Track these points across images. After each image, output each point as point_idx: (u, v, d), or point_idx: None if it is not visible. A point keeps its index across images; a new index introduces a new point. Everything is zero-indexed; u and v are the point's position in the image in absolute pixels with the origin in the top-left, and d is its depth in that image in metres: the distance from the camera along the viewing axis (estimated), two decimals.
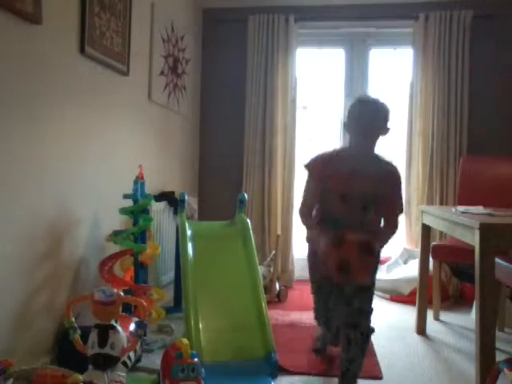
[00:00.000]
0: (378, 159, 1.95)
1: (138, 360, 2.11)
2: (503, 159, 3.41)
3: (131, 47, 2.72)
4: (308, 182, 2.02)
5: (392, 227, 1.97)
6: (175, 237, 3.06)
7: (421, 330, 2.77)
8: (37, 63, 1.95)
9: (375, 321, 1.95)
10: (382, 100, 1.92)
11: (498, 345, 1.99)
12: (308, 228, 2.06)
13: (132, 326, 1.92)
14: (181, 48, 3.60)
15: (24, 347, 1.92)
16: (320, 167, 1.96)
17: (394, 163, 1.98)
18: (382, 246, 1.97)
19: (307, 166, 1.99)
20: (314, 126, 4.37)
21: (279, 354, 2.12)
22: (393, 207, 1.96)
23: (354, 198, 1.89)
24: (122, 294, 1.81)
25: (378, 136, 1.91)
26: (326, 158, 1.97)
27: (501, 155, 3.51)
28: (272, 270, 3.35)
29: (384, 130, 1.91)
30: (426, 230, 2.79)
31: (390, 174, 1.94)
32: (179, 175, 3.77)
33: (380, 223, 1.97)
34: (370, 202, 1.91)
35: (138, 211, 2.45)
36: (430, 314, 2.88)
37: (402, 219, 3.80)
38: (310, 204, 2.02)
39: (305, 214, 2.03)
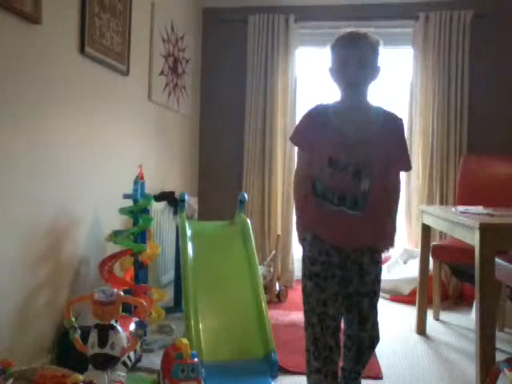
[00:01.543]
0: (376, 110, 1.69)
1: (138, 360, 2.11)
2: (503, 159, 3.41)
3: (131, 47, 2.72)
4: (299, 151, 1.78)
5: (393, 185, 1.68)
6: (175, 237, 3.06)
7: (421, 329, 2.76)
8: (37, 63, 1.95)
9: None
10: (370, 35, 1.64)
11: (498, 345, 1.99)
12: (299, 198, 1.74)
13: (132, 326, 1.92)
14: (181, 48, 3.60)
15: (24, 347, 1.92)
16: (306, 129, 1.74)
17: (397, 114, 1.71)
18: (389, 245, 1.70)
19: (292, 138, 1.78)
20: None
21: (279, 354, 2.12)
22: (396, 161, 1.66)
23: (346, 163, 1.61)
24: (122, 293, 1.81)
25: (371, 82, 1.67)
26: (315, 118, 1.77)
27: (501, 155, 3.51)
28: (272, 269, 3.36)
29: (376, 72, 1.66)
30: (426, 230, 2.79)
31: (389, 124, 1.66)
32: (179, 175, 3.77)
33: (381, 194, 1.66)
34: (367, 167, 1.61)
35: (137, 211, 2.45)
36: (430, 314, 2.88)
37: (402, 219, 3.81)
38: (305, 173, 1.71)
39: (298, 181, 1.74)
